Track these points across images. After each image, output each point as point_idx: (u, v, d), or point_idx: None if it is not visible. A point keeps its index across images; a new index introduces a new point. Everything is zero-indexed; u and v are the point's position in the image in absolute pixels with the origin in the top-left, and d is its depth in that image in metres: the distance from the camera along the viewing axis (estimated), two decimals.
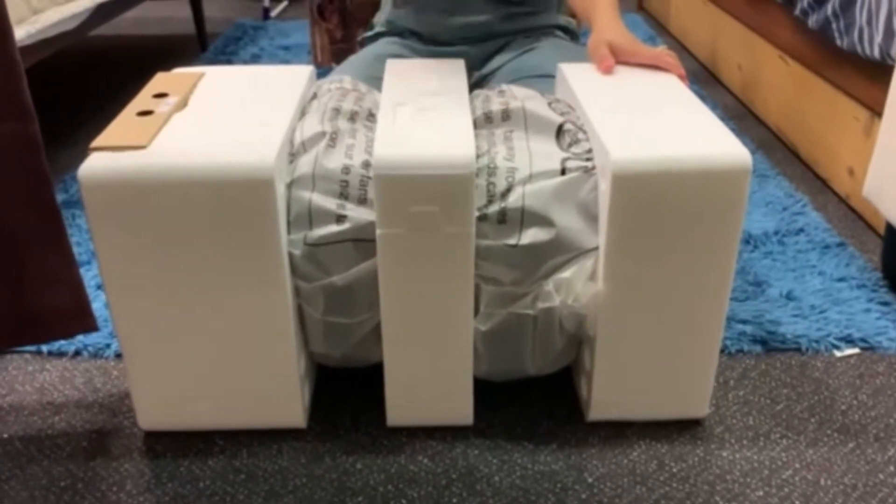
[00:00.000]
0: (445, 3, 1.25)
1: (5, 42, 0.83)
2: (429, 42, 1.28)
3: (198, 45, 2.53)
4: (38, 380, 1.04)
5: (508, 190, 0.84)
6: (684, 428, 0.95)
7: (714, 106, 2.00)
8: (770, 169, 1.62)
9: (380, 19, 1.35)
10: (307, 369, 0.95)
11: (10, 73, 0.84)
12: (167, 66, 1.04)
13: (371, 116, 0.94)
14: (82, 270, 0.96)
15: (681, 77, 1.01)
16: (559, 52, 1.19)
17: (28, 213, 0.87)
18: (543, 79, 1.12)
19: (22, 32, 1.46)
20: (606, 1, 1.09)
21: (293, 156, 0.87)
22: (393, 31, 1.31)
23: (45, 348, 1.09)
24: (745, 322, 1.13)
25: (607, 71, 1.02)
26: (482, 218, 0.84)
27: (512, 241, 0.84)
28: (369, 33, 1.37)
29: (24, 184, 0.87)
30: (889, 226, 1.20)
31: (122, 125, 0.86)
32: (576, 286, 0.85)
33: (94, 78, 2.29)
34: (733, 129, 1.82)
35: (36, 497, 0.86)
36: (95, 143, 0.82)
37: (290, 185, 0.85)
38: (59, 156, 1.71)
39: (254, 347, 0.88)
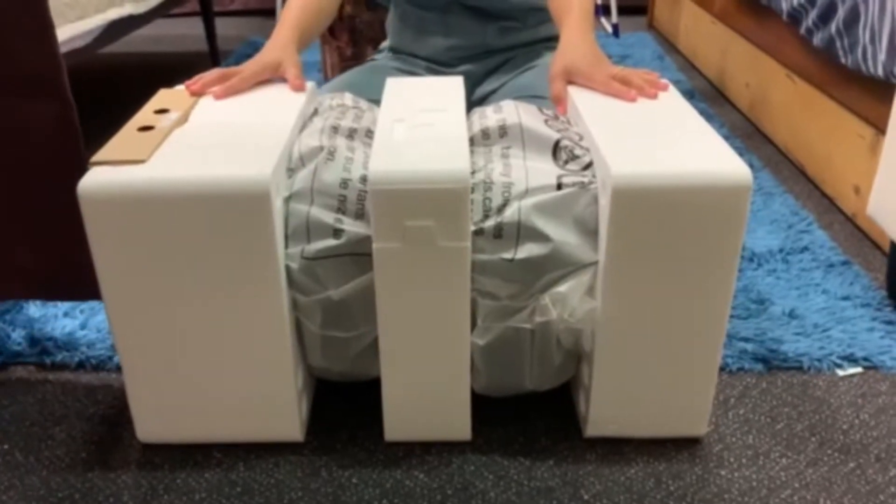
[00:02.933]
0: (439, 25, 1.27)
1: (48, 35, 0.88)
2: (430, 62, 1.30)
3: (210, 62, 2.56)
4: (40, 391, 1.05)
5: (504, 205, 0.84)
6: (683, 446, 0.94)
7: (722, 124, 2.00)
8: (776, 187, 1.61)
9: (385, 46, 1.37)
10: (305, 383, 0.96)
11: (52, 62, 0.89)
12: (179, 82, 1.05)
13: (369, 133, 0.95)
14: None
15: (631, 100, 0.98)
16: None
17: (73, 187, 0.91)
18: (540, 99, 1.12)
19: None
20: (577, 13, 1.07)
21: (291, 171, 0.88)
22: (396, 55, 1.33)
23: (47, 360, 1.10)
24: (746, 340, 1.12)
25: (562, 112, 1.01)
26: (478, 232, 0.84)
27: (508, 256, 0.84)
28: (377, 56, 1.39)
29: (66, 165, 0.93)
30: (893, 244, 1.19)
31: (123, 140, 0.87)
32: (571, 301, 0.85)
33: (106, 94, 2.32)
34: (741, 147, 1.83)
35: None
36: (95, 157, 0.83)
37: (288, 199, 0.86)
38: None
39: (251, 361, 0.88)
